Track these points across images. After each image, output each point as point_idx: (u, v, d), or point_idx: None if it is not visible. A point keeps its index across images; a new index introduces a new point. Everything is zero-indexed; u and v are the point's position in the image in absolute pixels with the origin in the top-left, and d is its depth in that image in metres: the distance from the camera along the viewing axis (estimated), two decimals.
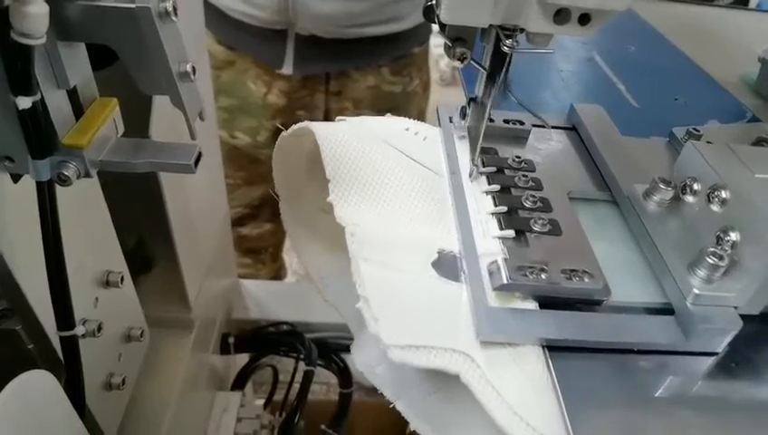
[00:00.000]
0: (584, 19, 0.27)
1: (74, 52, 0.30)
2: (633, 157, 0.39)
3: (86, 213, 0.42)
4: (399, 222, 0.33)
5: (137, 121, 0.47)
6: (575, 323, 0.29)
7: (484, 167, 0.37)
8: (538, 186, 0.36)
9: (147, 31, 0.28)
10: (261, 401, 0.83)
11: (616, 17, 0.27)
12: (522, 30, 0.28)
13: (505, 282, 0.28)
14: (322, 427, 0.80)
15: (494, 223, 0.33)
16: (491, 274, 0.30)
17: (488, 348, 0.27)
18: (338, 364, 0.81)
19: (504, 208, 0.33)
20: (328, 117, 0.96)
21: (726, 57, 0.66)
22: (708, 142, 0.40)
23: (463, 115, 0.39)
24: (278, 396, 0.81)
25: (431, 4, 0.29)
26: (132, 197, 0.52)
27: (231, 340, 0.75)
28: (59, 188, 0.31)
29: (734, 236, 0.29)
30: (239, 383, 0.79)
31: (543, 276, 0.29)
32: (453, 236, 0.33)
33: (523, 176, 0.36)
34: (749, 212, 0.29)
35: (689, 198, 0.32)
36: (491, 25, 0.28)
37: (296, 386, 0.74)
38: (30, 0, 0.24)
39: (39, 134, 0.29)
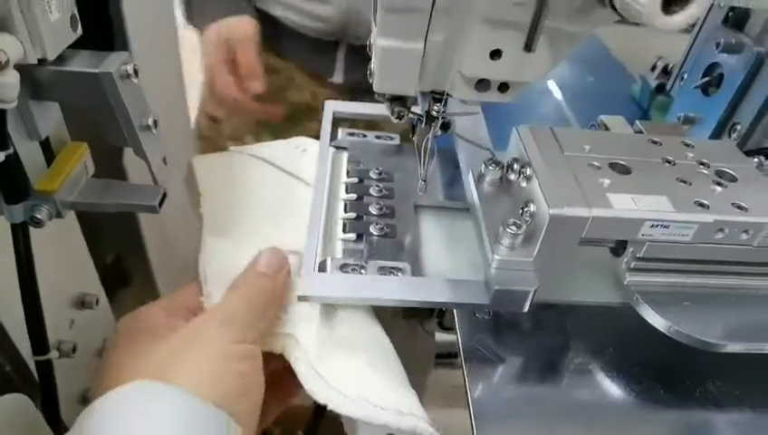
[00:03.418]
0: (503, 87, 0.30)
1: (46, 107, 0.32)
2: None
3: (61, 239, 0.44)
4: (256, 231, 0.38)
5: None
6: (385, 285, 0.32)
7: (348, 177, 0.41)
8: (390, 195, 0.40)
9: (109, 92, 0.31)
10: None
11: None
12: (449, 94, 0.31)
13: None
14: (299, 433, 0.83)
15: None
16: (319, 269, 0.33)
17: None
18: None
19: (352, 215, 0.38)
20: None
21: None
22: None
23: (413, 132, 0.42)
24: None
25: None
26: (108, 217, 0.55)
27: None
28: None
29: (532, 207, 0.32)
30: None
31: (363, 273, 0.33)
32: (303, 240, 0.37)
33: (377, 186, 0.40)
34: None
35: (511, 177, 0.36)
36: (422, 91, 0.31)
37: None
38: (2, 72, 0.27)
39: (11, 183, 0.31)
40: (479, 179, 0.36)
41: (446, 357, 0.88)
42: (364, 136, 0.45)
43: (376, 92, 0.31)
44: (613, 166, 0.34)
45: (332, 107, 0.47)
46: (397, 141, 0.46)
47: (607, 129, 0.42)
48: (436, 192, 0.42)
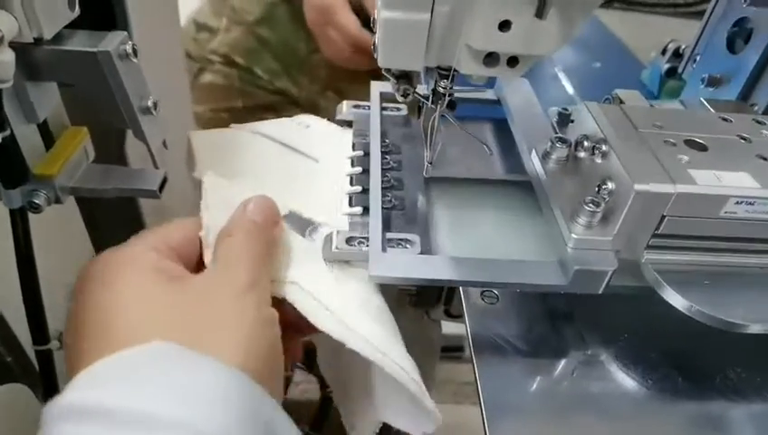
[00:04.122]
0: (513, 62, 0.29)
1: (43, 89, 0.32)
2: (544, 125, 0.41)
3: (62, 229, 0.44)
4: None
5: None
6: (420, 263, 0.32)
7: (353, 150, 0.40)
8: (398, 167, 0.40)
9: (108, 72, 0.30)
10: None
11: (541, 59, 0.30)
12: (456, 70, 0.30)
13: (333, 250, 0.32)
14: (305, 428, 0.82)
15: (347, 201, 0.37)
16: (324, 244, 0.33)
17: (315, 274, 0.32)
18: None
19: (358, 189, 0.37)
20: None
21: None
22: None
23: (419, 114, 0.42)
24: None
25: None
26: (109, 206, 0.54)
27: None
28: None
29: (610, 184, 0.31)
30: None
31: (368, 246, 0.32)
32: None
33: (384, 159, 0.39)
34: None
35: (581, 154, 0.35)
36: (428, 67, 0.30)
37: None
38: None
39: (9, 167, 0.31)
40: (544, 157, 0.35)
41: (453, 350, 0.87)
42: (369, 108, 0.44)
43: (381, 69, 0.30)
44: (689, 143, 0.33)
45: (379, 87, 0.46)
46: (404, 112, 0.45)
47: (622, 102, 0.41)
48: (446, 164, 0.41)
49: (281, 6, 0.84)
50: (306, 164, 0.40)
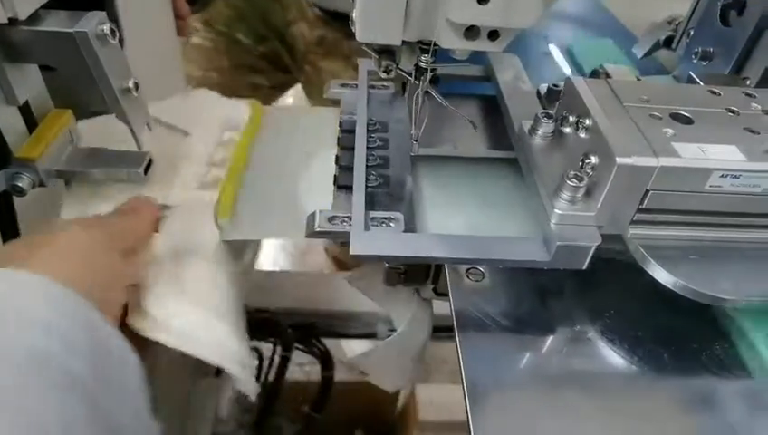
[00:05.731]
0: (493, 35, 0.29)
1: (23, 70, 0.31)
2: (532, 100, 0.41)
3: (48, 214, 0.44)
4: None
5: None
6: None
7: (340, 129, 0.40)
8: (385, 145, 0.39)
9: (86, 53, 0.30)
10: None
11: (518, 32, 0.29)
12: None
13: (316, 230, 0.32)
14: (305, 408, 0.83)
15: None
16: (307, 224, 0.33)
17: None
18: (319, 349, 0.83)
19: (343, 165, 0.37)
20: None
21: None
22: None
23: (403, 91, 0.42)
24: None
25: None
26: None
27: None
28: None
29: (593, 159, 0.30)
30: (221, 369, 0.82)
31: (350, 224, 0.32)
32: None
33: (370, 137, 0.39)
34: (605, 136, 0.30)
35: (566, 129, 0.34)
36: (409, 42, 0.30)
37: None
38: None
39: None
40: (531, 133, 0.35)
41: (450, 330, 0.87)
42: (357, 86, 0.44)
43: (360, 43, 0.29)
44: (675, 116, 0.32)
45: (367, 65, 0.45)
46: (392, 90, 0.44)
47: (608, 76, 0.40)
48: (434, 142, 0.40)
49: None
50: (175, 137, 0.40)
